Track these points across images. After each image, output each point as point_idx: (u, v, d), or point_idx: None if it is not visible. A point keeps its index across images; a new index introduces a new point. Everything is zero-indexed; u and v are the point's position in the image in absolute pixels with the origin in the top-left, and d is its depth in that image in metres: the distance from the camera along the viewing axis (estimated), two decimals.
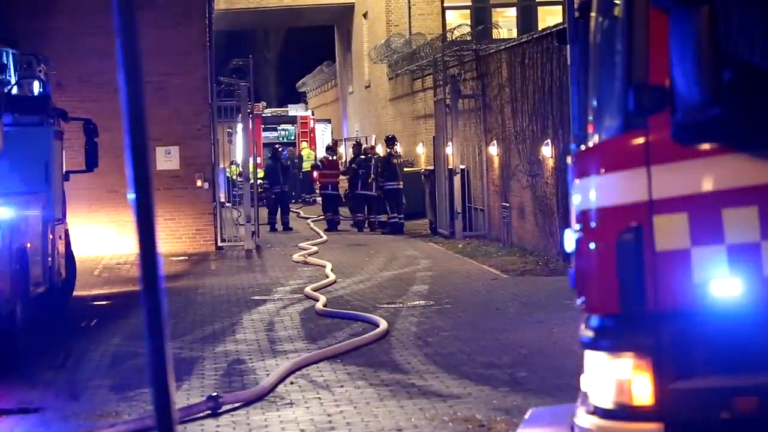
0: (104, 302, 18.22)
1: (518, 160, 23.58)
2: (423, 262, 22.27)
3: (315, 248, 25.21)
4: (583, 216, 5.62)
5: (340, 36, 52.63)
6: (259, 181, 29.04)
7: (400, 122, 38.65)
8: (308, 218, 34.48)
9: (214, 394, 10.42)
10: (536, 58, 22.32)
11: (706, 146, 5.32)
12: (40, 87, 17.03)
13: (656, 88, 5.31)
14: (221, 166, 27.38)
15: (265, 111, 50.88)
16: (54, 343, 14.37)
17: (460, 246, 24.81)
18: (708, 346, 5.31)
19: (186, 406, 10.19)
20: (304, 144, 45.24)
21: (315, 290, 18.16)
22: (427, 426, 9.61)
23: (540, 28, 29.47)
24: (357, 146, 32.90)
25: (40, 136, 16.66)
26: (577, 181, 5.73)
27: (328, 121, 53.07)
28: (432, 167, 29.02)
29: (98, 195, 24.48)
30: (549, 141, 21.33)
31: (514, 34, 34.96)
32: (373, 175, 30.03)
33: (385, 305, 16.63)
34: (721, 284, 5.29)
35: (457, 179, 26.42)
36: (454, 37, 31.70)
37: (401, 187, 29.21)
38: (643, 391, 5.33)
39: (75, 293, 18.35)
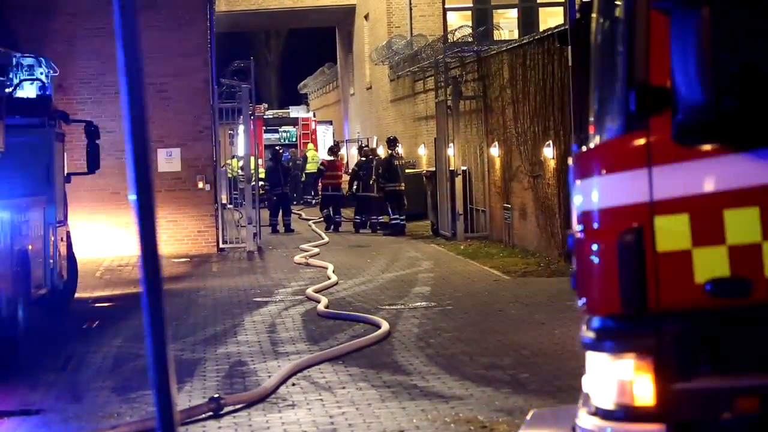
0: (106, 304, 18.22)
1: (520, 161, 23.58)
2: (425, 264, 22.27)
3: (317, 250, 25.21)
4: (585, 217, 5.62)
5: (341, 38, 52.63)
6: (260, 183, 29.02)
7: (401, 124, 38.64)
8: (310, 220, 34.49)
9: (216, 395, 10.43)
10: (537, 60, 22.32)
11: (707, 147, 5.32)
12: (41, 89, 17.03)
13: (657, 89, 5.31)
14: (222, 167, 27.34)
15: (267, 113, 50.86)
16: (55, 344, 14.38)
17: (462, 247, 24.81)
18: (709, 346, 5.31)
19: (188, 408, 10.19)
20: (310, 145, 45.26)
21: (317, 292, 18.15)
22: (429, 427, 9.61)
23: (541, 30, 29.46)
24: (361, 149, 33.04)
25: (41, 138, 16.67)
26: (578, 182, 5.73)
27: (330, 122, 53.06)
28: (433, 169, 29.01)
29: (100, 197, 24.48)
30: (550, 142, 21.33)
31: (516, 35, 34.95)
32: (374, 177, 30.04)
33: (387, 306, 16.63)
34: (722, 285, 5.29)
35: (458, 181, 26.42)
36: (455, 39, 31.68)
37: (403, 188, 29.21)
38: (645, 392, 5.33)
39: (76, 295, 18.35)
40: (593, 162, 5.65)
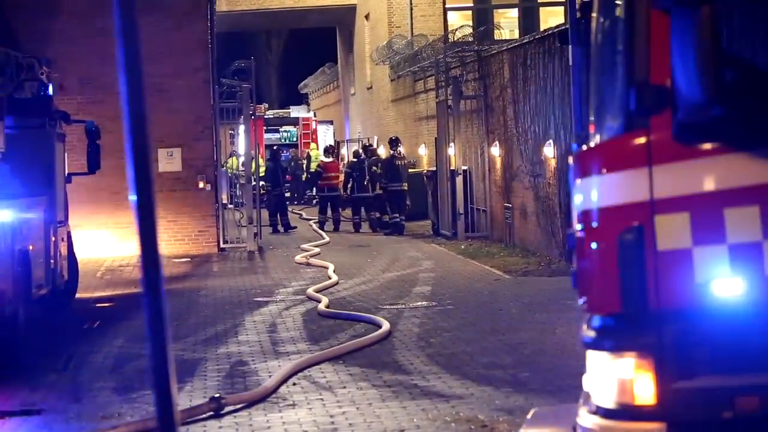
0: (107, 304, 18.22)
1: (520, 160, 23.58)
2: (425, 263, 22.27)
3: (317, 249, 25.21)
4: (585, 216, 5.62)
5: (341, 37, 52.62)
6: (261, 183, 29.01)
7: (402, 123, 38.65)
8: (311, 219, 34.49)
9: (217, 395, 10.43)
10: (538, 59, 22.32)
11: (707, 146, 5.32)
12: (42, 89, 17.04)
13: (658, 87, 5.31)
14: (222, 167, 27.35)
15: (267, 113, 50.84)
16: (56, 344, 14.38)
17: (463, 247, 24.81)
18: (710, 345, 5.31)
19: (189, 408, 10.19)
20: (313, 145, 45.27)
21: (317, 291, 18.16)
22: (429, 426, 9.61)
23: (542, 29, 29.46)
24: (365, 149, 33.04)
25: (42, 138, 16.67)
26: (578, 181, 5.73)
27: (331, 122, 53.06)
28: (434, 168, 29.02)
29: (100, 197, 24.48)
30: (551, 141, 21.33)
31: (516, 34, 34.96)
32: (368, 177, 30.15)
33: (388, 306, 16.63)
34: (722, 284, 5.30)
35: (459, 180, 26.42)
36: (455, 39, 31.68)
37: (405, 188, 29.23)
38: (645, 391, 5.33)
39: (77, 295, 18.36)
40: (594, 161, 5.65)
